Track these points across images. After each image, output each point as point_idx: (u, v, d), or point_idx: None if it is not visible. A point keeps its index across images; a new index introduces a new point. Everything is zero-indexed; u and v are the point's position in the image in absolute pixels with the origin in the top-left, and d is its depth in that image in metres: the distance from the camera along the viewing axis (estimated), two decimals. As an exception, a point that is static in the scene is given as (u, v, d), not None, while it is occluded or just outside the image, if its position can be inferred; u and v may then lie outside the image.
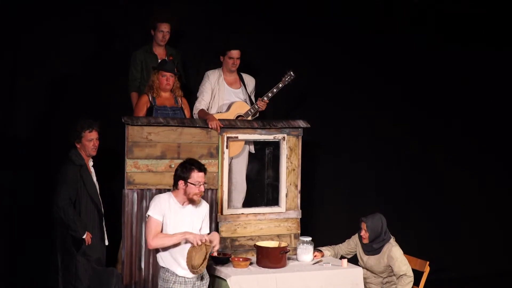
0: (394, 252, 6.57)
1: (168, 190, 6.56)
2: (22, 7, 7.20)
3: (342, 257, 6.78)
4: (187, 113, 7.06)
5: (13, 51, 7.25)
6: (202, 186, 5.68)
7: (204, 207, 5.89)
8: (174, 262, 5.72)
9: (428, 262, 6.83)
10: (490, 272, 9.11)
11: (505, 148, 9.39)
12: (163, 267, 5.78)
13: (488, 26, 9.07)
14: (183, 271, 5.72)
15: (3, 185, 7.18)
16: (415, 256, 6.92)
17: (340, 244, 6.93)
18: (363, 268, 6.70)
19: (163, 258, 5.76)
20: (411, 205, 8.84)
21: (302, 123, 7.07)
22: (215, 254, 6.19)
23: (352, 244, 6.86)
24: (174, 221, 5.71)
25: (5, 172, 7.18)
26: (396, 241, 6.72)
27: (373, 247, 6.64)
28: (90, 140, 6.44)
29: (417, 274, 6.91)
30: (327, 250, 6.85)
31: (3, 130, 7.22)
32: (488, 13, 8.85)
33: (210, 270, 6.44)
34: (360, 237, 6.71)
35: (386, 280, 6.69)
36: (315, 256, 6.67)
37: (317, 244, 6.83)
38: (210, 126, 6.73)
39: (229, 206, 6.87)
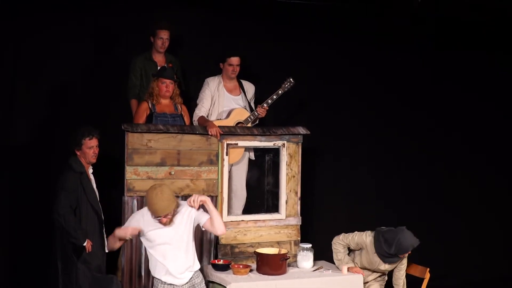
0: (405, 259, 6.63)
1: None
2: (22, 14, 7.21)
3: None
4: (186, 120, 7.07)
5: (13, 58, 7.26)
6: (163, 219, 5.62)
7: (188, 212, 5.74)
8: (162, 269, 5.70)
9: (428, 269, 6.83)
10: (491, 278, 9.09)
11: (506, 154, 9.38)
12: (154, 276, 5.81)
13: (489, 31, 9.08)
14: (170, 278, 5.69)
15: (3, 191, 7.18)
16: (415, 263, 6.91)
17: (343, 247, 6.77)
18: (369, 270, 6.72)
19: (151, 267, 5.78)
20: (411, 211, 8.82)
21: (302, 130, 7.08)
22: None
23: (358, 246, 6.73)
24: (154, 232, 5.70)
25: (5, 179, 7.17)
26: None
27: (398, 257, 6.60)
28: (90, 148, 6.43)
29: (418, 281, 6.92)
30: (349, 259, 6.76)
31: (3, 137, 7.22)
32: (489, 18, 8.86)
33: (210, 277, 6.45)
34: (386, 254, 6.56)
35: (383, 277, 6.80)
36: (355, 271, 6.62)
37: (317, 250, 6.83)
38: (210, 133, 6.73)
39: (229, 213, 6.87)
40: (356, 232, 6.73)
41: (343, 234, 6.76)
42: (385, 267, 6.66)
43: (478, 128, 9.23)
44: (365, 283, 6.73)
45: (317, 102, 8.37)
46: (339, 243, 6.72)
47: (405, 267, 6.73)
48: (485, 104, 9.28)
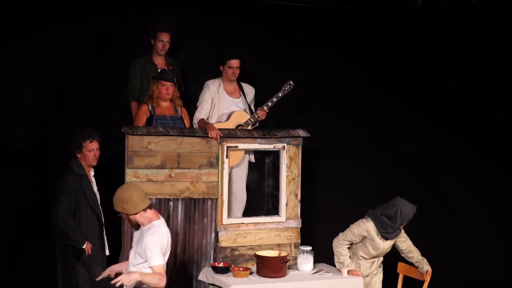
0: (403, 230, 6.73)
1: (168, 199, 6.62)
2: (22, 16, 7.21)
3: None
4: (186, 122, 7.08)
5: (13, 60, 7.27)
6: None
7: (146, 236, 5.28)
8: None
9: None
10: (491, 280, 9.09)
11: (505, 156, 9.38)
12: None
13: (489, 33, 9.08)
14: None
15: (3, 194, 7.18)
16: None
17: (346, 248, 6.71)
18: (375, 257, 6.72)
19: None
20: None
21: (302, 133, 7.07)
22: None
23: (361, 237, 6.65)
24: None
25: (5, 181, 7.17)
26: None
27: (399, 229, 6.66)
28: (91, 150, 6.44)
29: (418, 283, 6.91)
30: (351, 262, 6.68)
31: (3, 139, 7.22)
32: (489, 20, 8.87)
33: (210, 279, 6.46)
34: (386, 230, 6.57)
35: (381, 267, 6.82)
36: (355, 274, 6.61)
37: (317, 253, 6.83)
38: (210, 136, 6.73)
39: (229, 216, 6.86)
40: (350, 225, 6.71)
41: (340, 233, 6.73)
42: (389, 244, 6.65)
43: (478, 129, 9.23)
44: (366, 276, 6.72)
45: (317, 105, 8.37)
46: (341, 244, 6.68)
47: (405, 237, 6.77)
48: (485, 106, 9.27)
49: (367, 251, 6.68)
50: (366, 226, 6.60)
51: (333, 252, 6.78)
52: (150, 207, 5.37)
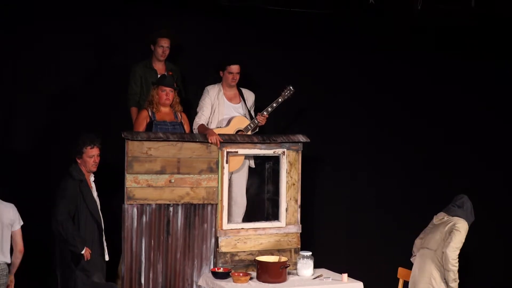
0: None
1: (168, 205, 6.62)
2: (22, 23, 7.22)
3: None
4: (186, 128, 7.08)
5: (13, 66, 7.27)
6: None
7: None
8: None
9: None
10: (492, 286, 9.09)
11: (506, 157, 9.37)
12: None
13: (488, 37, 9.09)
14: None
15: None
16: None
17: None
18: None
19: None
20: (412, 219, 8.80)
21: (301, 138, 7.08)
22: None
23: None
24: None
25: (5, 187, 7.16)
26: (397, 255, 6.74)
27: None
28: (91, 157, 6.43)
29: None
30: None
31: (3, 144, 7.23)
32: (488, 25, 8.88)
33: (210, 285, 6.45)
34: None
35: None
36: None
37: (317, 258, 6.82)
38: (210, 141, 6.74)
39: (229, 221, 6.86)
40: (455, 233, 6.47)
41: (452, 245, 6.43)
42: None
43: (478, 131, 9.22)
44: None
45: (317, 110, 8.38)
46: (457, 259, 6.44)
47: None
48: (485, 108, 9.27)
49: None
50: (466, 226, 6.54)
51: (333, 257, 6.81)
52: None
